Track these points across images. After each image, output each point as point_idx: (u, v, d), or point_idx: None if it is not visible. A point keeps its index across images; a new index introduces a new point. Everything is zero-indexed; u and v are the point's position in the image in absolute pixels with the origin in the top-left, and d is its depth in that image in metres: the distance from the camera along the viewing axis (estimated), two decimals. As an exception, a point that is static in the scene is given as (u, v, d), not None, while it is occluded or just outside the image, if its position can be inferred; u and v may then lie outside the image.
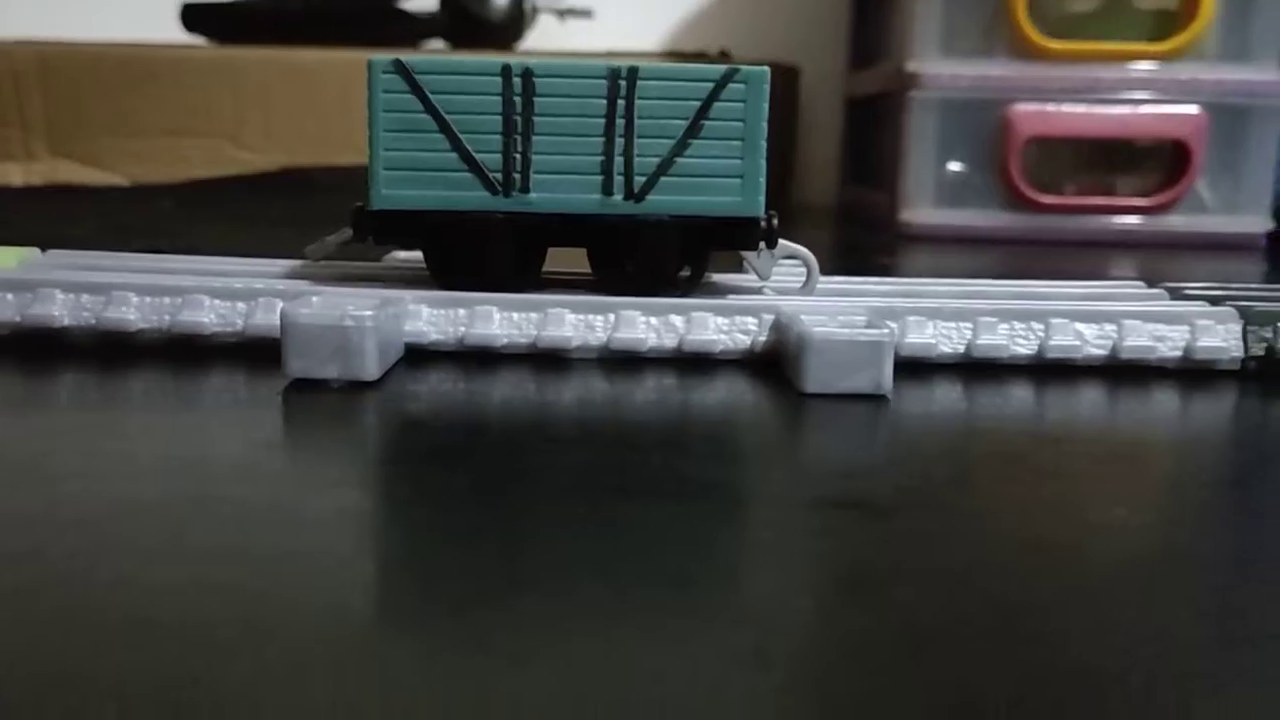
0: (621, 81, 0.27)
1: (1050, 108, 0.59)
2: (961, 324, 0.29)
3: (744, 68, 0.28)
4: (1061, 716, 0.13)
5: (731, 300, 0.30)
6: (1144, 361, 0.29)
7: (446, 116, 0.28)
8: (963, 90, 0.60)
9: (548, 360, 0.29)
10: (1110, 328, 0.29)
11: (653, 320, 0.29)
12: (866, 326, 0.27)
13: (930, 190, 0.62)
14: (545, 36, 0.85)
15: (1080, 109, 0.59)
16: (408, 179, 0.28)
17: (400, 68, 0.27)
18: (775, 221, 0.30)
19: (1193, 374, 0.30)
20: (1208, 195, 0.60)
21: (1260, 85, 0.57)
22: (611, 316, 0.29)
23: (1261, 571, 0.18)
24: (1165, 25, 0.58)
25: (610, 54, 0.81)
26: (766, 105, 0.28)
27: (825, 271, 0.33)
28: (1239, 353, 0.29)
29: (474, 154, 0.28)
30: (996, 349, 0.29)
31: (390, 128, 0.28)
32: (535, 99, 0.27)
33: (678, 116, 0.27)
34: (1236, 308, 0.29)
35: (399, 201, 0.28)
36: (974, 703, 0.14)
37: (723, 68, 0.28)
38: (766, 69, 0.28)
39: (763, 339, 0.29)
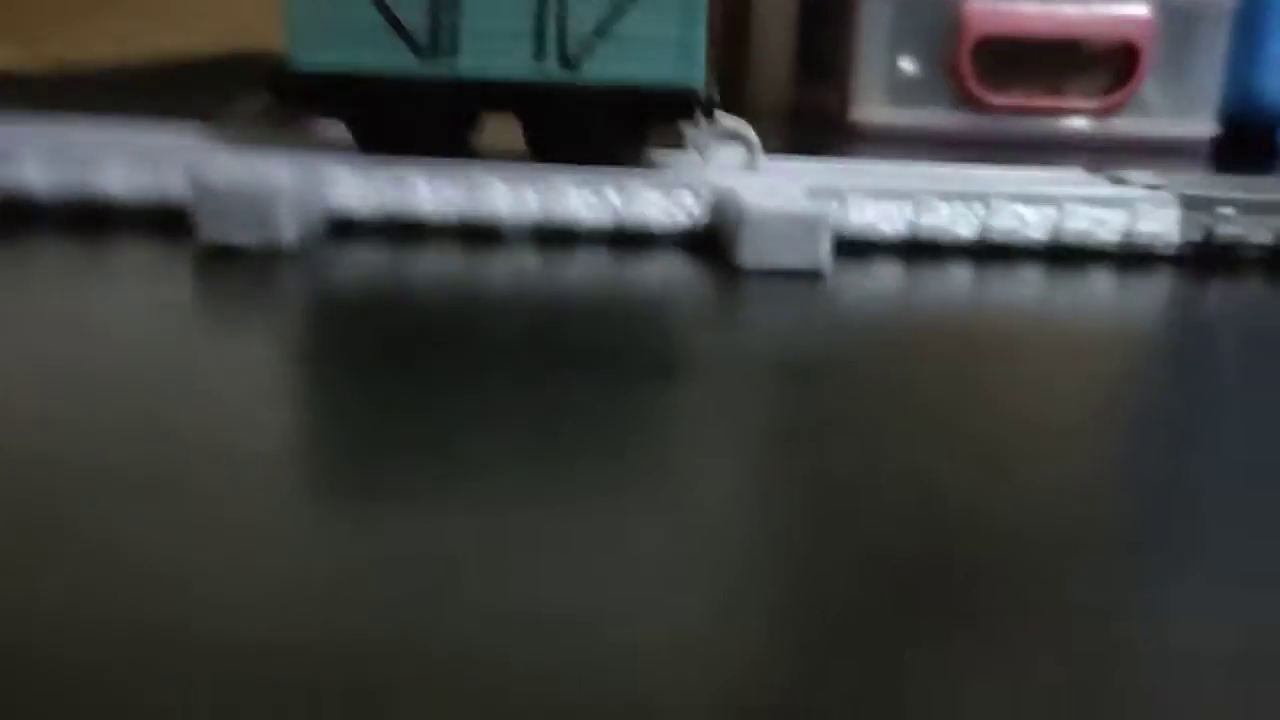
0: None
1: (1003, 6, 0.58)
2: (903, 203, 0.29)
3: None
4: (970, 571, 0.13)
5: (670, 175, 0.29)
6: (1084, 245, 0.29)
7: None
8: None
9: (478, 234, 0.28)
10: (1050, 210, 0.29)
11: (588, 194, 0.28)
12: (805, 203, 0.27)
13: (882, 89, 0.60)
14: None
15: (1032, 7, 0.58)
16: (327, 39, 0.26)
17: None
18: (716, 95, 0.29)
19: (1132, 258, 0.29)
20: (1154, 99, 0.59)
21: None
22: (545, 188, 0.28)
23: (1170, 443, 0.18)
24: None
25: None
26: None
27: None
28: (1176, 237, 0.29)
29: (396, 12, 0.26)
30: (938, 231, 0.29)
31: None
32: None
33: None
34: (1175, 194, 0.29)
35: (318, 64, 0.26)
36: (887, 557, 0.13)
37: None
38: None
39: (701, 215, 0.28)
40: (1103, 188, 0.30)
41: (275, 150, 0.28)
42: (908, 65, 0.60)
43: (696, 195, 0.28)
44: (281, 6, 0.27)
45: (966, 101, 0.59)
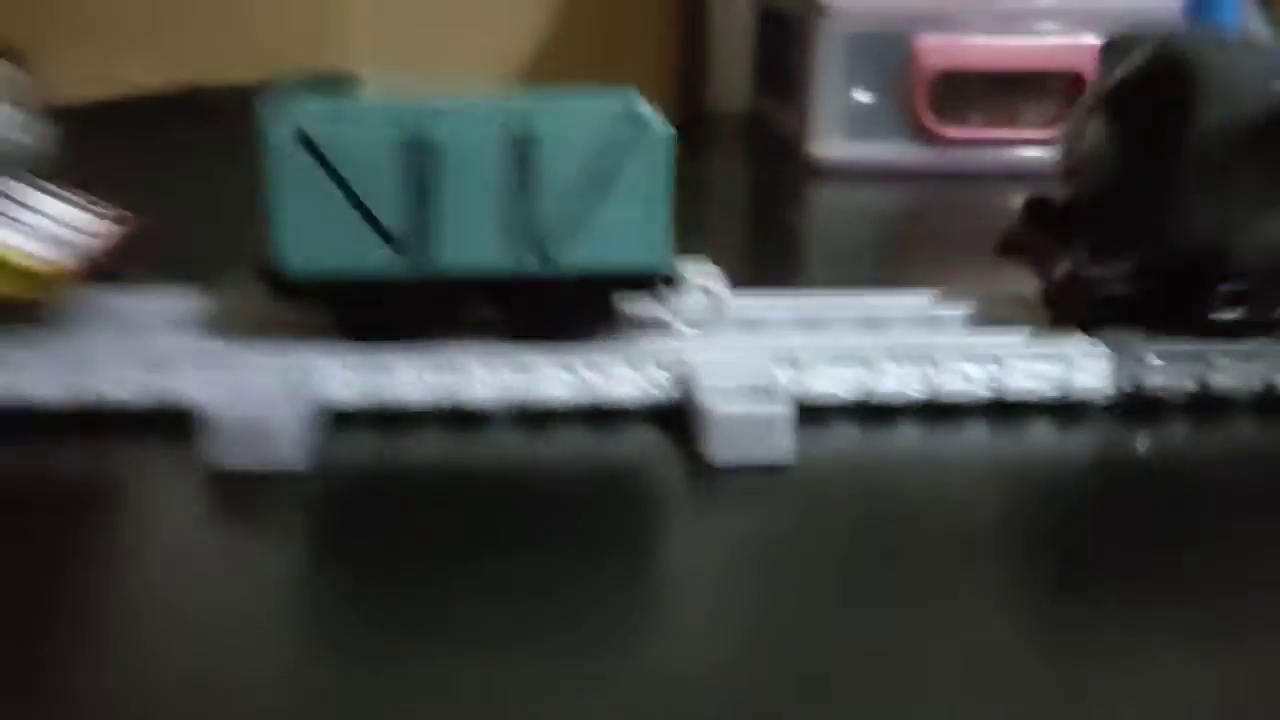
0: (520, 134, 0.28)
1: (956, 40, 0.59)
2: (857, 369, 0.30)
3: (640, 113, 0.28)
4: None
5: (639, 350, 0.31)
6: (1024, 400, 0.31)
7: (347, 179, 0.27)
8: (871, 22, 0.59)
9: (461, 416, 0.30)
10: (994, 368, 0.31)
11: (562, 373, 0.30)
12: (765, 388, 0.29)
13: (838, 123, 0.61)
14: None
15: (984, 41, 0.59)
16: (314, 244, 0.28)
17: (305, 139, 0.27)
18: (676, 270, 0.31)
19: (1069, 408, 0.31)
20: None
21: (1155, 13, 0.58)
22: (521, 369, 0.29)
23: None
24: None
25: None
26: (668, 166, 0.29)
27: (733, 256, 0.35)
28: (1108, 389, 0.31)
29: (376, 215, 0.28)
30: (890, 395, 0.31)
31: (294, 195, 0.27)
32: (437, 158, 0.27)
33: (588, 166, 0.28)
34: (1106, 348, 0.31)
35: (306, 268, 0.28)
36: None
37: (616, 108, 0.28)
38: (669, 133, 0.29)
39: (668, 390, 0.30)
40: (1042, 345, 0.32)
41: (265, 344, 0.30)
42: (864, 99, 0.61)
43: (664, 369, 0.30)
44: (270, 214, 0.28)
45: (921, 135, 0.61)
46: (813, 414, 0.30)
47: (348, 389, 0.29)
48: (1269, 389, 0.31)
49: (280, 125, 0.27)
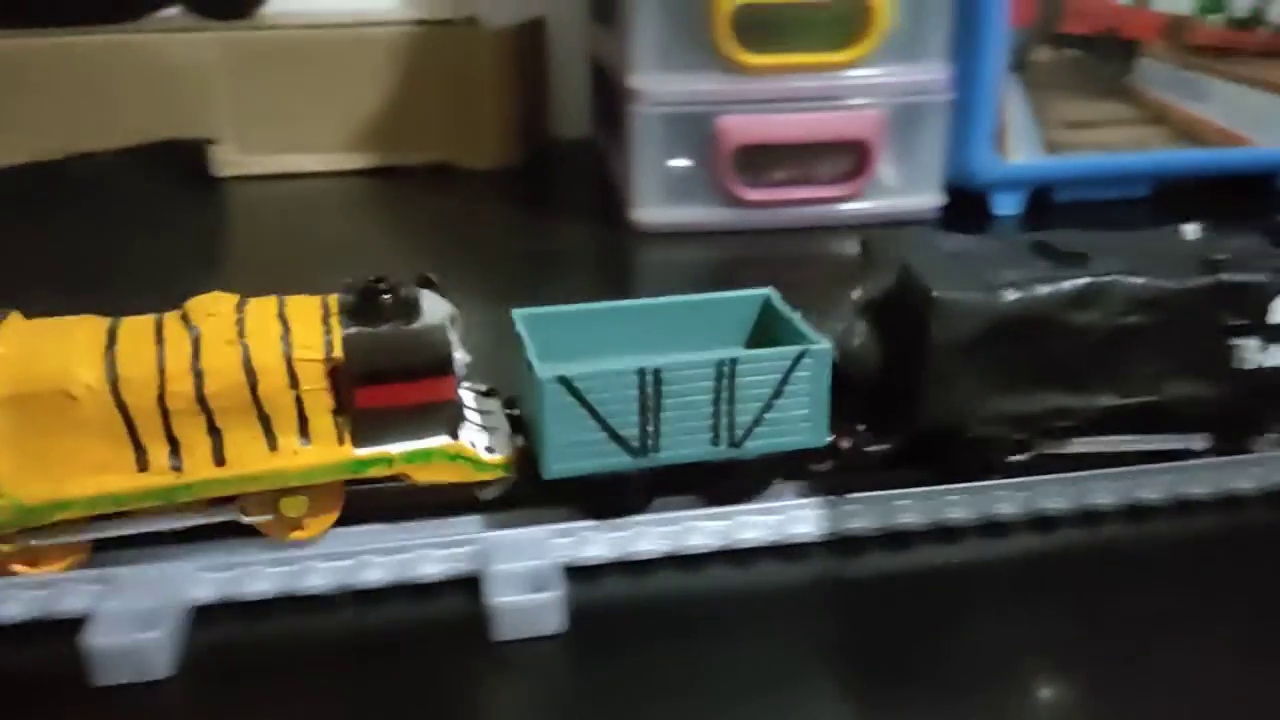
0: (725, 368, 0.35)
1: (754, 118, 0.67)
2: (618, 533, 0.36)
3: (812, 348, 0.35)
4: None
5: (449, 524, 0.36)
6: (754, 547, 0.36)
7: (597, 407, 0.34)
8: (677, 103, 0.67)
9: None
10: (726, 522, 0.36)
11: (379, 559, 0.35)
12: (543, 572, 0.33)
13: (657, 191, 0.69)
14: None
15: (779, 117, 0.67)
16: (570, 453, 0.34)
17: (564, 380, 0.33)
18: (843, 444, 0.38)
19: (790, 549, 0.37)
20: (889, 179, 0.71)
21: (930, 84, 0.68)
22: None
23: None
24: (851, 34, 0.66)
25: (358, 22, 0.81)
26: (829, 371, 0.35)
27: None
28: (818, 533, 0.36)
29: (618, 430, 0.34)
30: (645, 551, 0.36)
31: (556, 420, 0.34)
32: (663, 388, 0.34)
33: (766, 386, 0.35)
34: (818, 496, 0.37)
35: (565, 471, 0.35)
36: None
37: (798, 349, 0.35)
38: (829, 348, 0.35)
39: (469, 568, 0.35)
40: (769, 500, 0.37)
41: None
42: (680, 167, 0.69)
43: (463, 546, 0.35)
44: (537, 432, 0.35)
45: (729, 199, 0.69)
46: (585, 572, 0.35)
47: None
48: (939, 526, 0.37)
49: (551, 377, 0.33)
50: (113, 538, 0.34)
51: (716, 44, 0.66)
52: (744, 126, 0.68)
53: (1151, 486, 0.39)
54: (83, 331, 0.34)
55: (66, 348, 0.33)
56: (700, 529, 0.36)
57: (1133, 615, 0.34)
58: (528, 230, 0.73)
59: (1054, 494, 0.38)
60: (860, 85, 0.68)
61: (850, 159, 0.70)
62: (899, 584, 0.36)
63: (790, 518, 0.37)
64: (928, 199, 0.72)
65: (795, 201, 0.70)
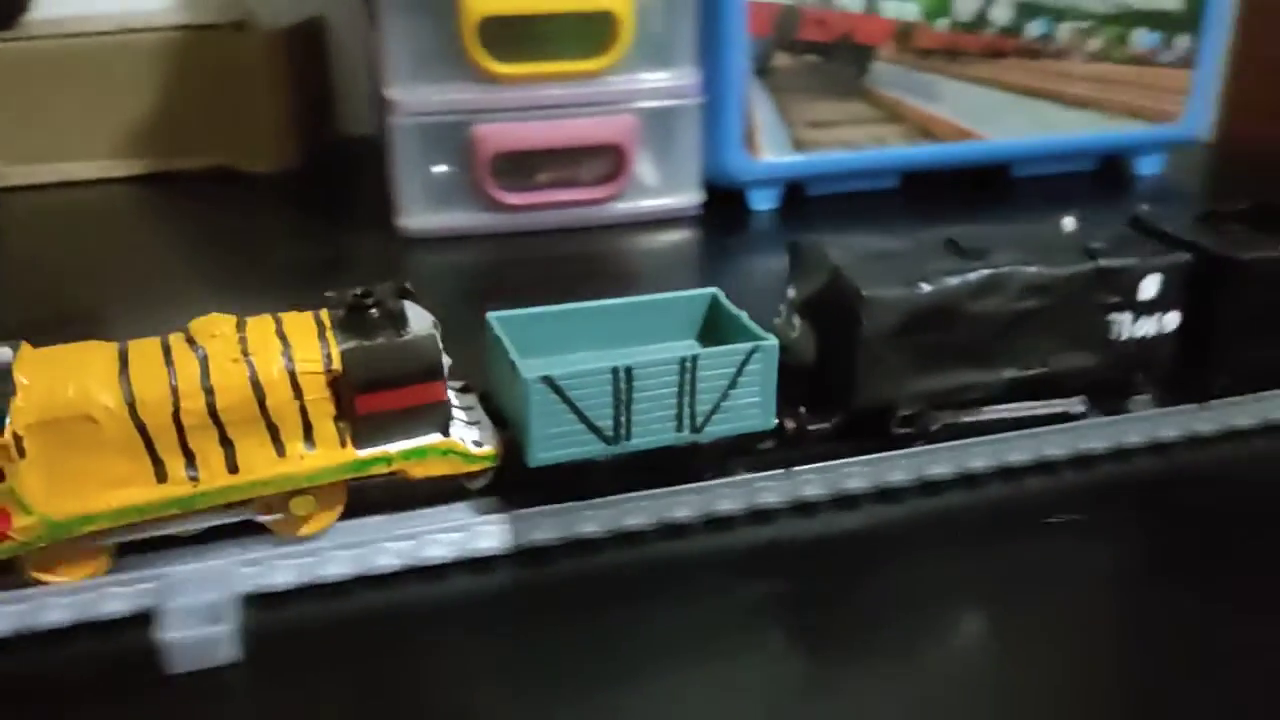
0: (687, 364, 0.38)
1: (510, 126, 0.70)
2: (305, 559, 0.37)
3: (762, 344, 0.39)
4: None
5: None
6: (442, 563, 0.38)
7: (576, 402, 0.38)
8: (435, 115, 0.69)
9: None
10: (411, 542, 0.38)
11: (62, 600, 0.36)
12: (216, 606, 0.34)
13: (421, 198, 0.71)
14: (57, 4, 0.84)
15: (534, 124, 0.70)
16: (549, 443, 0.38)
17: (548, 380, 0.37)
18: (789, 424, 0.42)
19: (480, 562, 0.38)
20: (649, 180, 0.74)
21: (680, 89, 0.72)
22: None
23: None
24: (602, 43, 0.69)
25: (122, 28, 0.82)
26: (776, 363, 0.39)
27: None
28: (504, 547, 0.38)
29: (594, 422, 0.38)
30: (334, 576, 0.37)
31: (540, 414, 0.37)
32: (634, 383, 0.38)
33: (723, 379, 0.39)
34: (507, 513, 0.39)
35: (544, 459, 0.38)
36: None
37: (750, 345, 0.39)
38: (777, 343, 0.39)
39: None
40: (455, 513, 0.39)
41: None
42: (441, 173, 0.71)
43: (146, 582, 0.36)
44: (520, 425, 0.38)
45: (492, 204, 0.72)
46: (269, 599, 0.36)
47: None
48: (666, 523, 0.40)
49: (536, 378, 0.37)
50: (133, 541, 0.37)
51: (468, 55, 0.68)
52: (500, 134, 0.71)
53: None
54: (96, 358, 0.36)
55: (84, 374, 0.35)
56: (387, 549, 0.38)
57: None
58: (302, 236, 0.73)
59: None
60: (613, 92, 0.72)
61: (611, 162, 0.74)
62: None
63: (473, 533, 0.39)
64: (687, 198, 0.76)
65: (557, 204, 0.74)
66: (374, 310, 0.38)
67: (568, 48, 0.70)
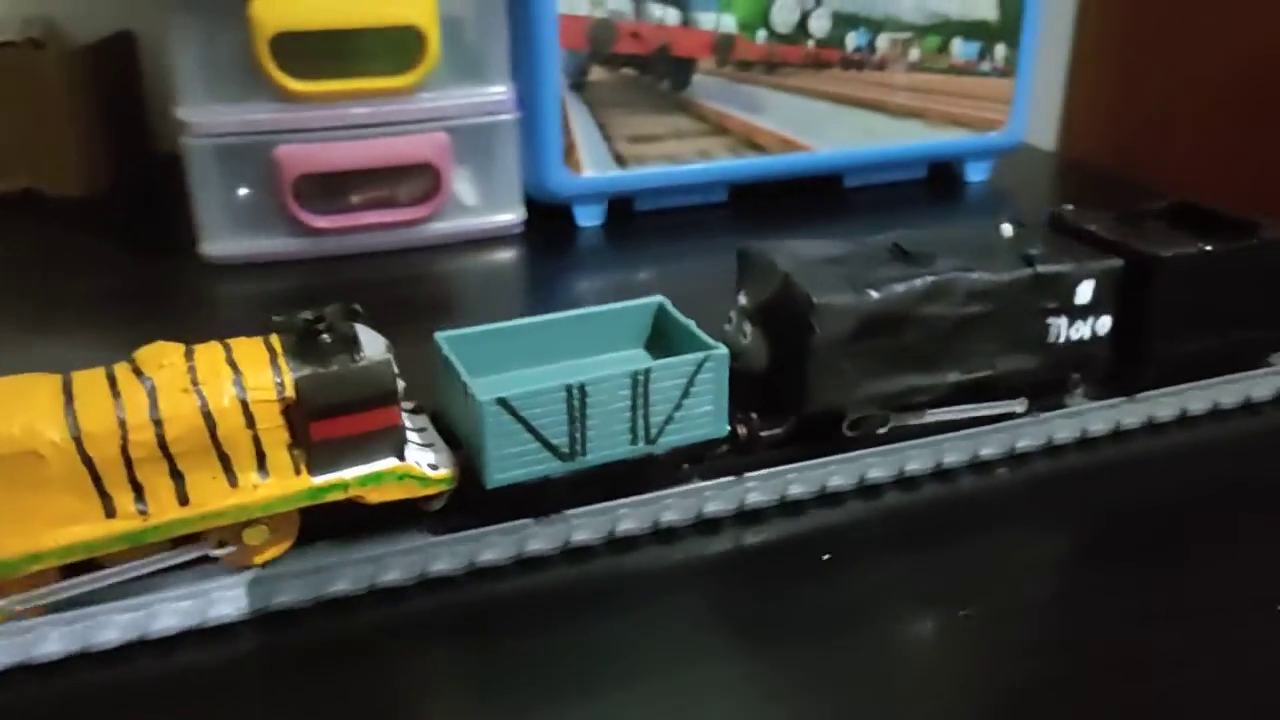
0: (640, 377, 0.39)
1: (313, 146, 0.66)
2: (76, 625, 0.35)
3: (713, 353, 0.40)
4: None
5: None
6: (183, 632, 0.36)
7: (531, 422, 0.37)
8: (232, 135, 0.65)
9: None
10: (141, 613, 0.36)
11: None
12: None
13: (222, 223, 0.68)
14: None
15: (340, 144, 0.67)
16: (505, 464, 0.38)
17: (502, 402, 0.37)
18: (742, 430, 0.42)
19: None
20: (469, 199, 0.73)
21: (494, 104, 0.70)
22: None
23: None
24: (408, 59, 0.67)
25: None
26: (727, 372, 0.40)
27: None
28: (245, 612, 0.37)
29: (550, 440, 0.38)
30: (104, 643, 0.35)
31: (495, 435, 0.37)
32: (588, 399, 0.38)
33: (676, 390, 0.40)
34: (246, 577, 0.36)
35: (504, 479, 0.38)
36: None
37: (701, 355, 0.40)
38: (727, 352, 0.40)
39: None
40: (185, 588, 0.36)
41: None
42: (243, 195, 0.68)
43: None
44: (474, 447, 0.38)
45: (299, 229, 0.68)
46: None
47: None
48: (422, 577, 0.38)
49: (490, 400, 0.37)
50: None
51: (263, 73, 0.63)
52: (304, 156, 0.67)
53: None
54: (39, 391, 0.35)
55: (29, 408, 0.34)
56: (113, 622, 0.36)
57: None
58: (104, 264, 0.69)
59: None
60: (424, 109, 0.69)
61: (428, 181, 0.69)
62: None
63: (211, 600, 0.37)
64: (510, 215, 0.73)
65: (370, 227, 0.70)
66: (325, 335, 0.38)
67: (375, 65, 0.67)
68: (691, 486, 0.42)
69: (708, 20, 0.75)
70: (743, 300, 0.44)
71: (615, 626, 0.38)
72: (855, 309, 0.42)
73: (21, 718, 0.33)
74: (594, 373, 0.39)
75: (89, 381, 0.36)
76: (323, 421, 0.37)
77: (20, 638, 0.35)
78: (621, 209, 0.77)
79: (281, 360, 0.37)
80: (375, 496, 0.38)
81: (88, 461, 0.35)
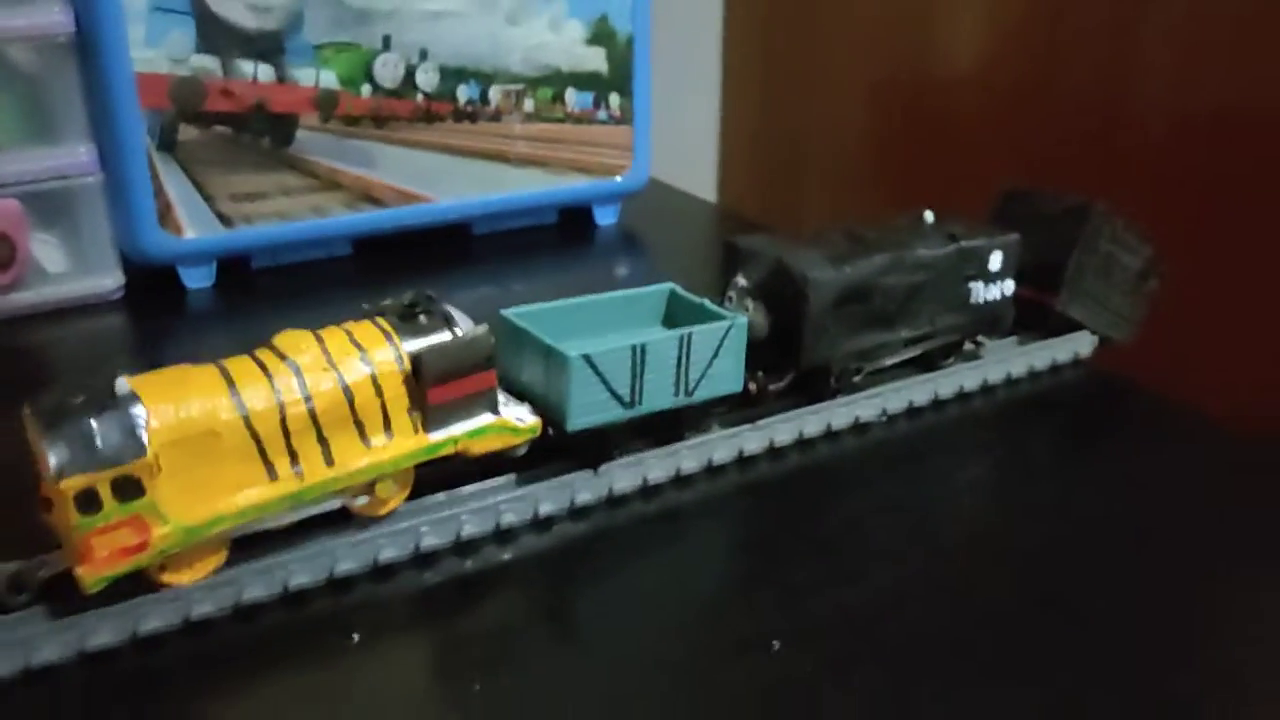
0: (684, 340, 0.47)
1: None
2: None
3: (736, 321, 0.48)
4: None
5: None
6: None
7: (605, 376, 0.45)
8: None
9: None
10: None
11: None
12: None
13: None
14: None
15: None
16: (583, 411, 0.45)
17: (586, 358, 0.44)
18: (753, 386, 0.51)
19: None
20: (54, 266, 0.70)
21: (71, 167, 0.67)
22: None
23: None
24: None
25: None
26: (745, 337, 0.48)
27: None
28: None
29: (616, 391, 0.46)
30: None
31: (579, 386, 0.45)
32: (646, 358, 0.46)
33: (709, 351, 0.48)
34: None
35: (583, 424, 0.46)
36: None
37: (728, 322, 0.48)
38: (746, 320, 0.49)
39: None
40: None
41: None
42: None
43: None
44: (556, 398, 0.45)
45: None
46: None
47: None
48: (189, 620, 0.39)
49: (577, 356, 0.44)
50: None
51: None
52: None
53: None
54: (201, 378, 0.40)
55: (198, 393, 0.39)
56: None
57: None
58: None
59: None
60: None
61: (3, 250, 0.66)
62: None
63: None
64: (106, 280, 0.71)
65: None
66: (422, 316, 0.45)
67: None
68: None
69: (306, 76, 0.74)
70: (742, 281, 0.53)
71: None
72: (837, 281, 0.52)
73: None
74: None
75: (241, 367, 0.41)
76: (439, 386, 0.43)
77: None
78: (238, 268, 0.76)
79: (396, 338, 0.43)
80: (478, 448, 0.45)
81: (254, 435, 0.40)
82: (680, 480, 0.50)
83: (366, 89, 0.77)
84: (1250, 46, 0.73)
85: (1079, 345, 0.63)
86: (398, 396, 0.43)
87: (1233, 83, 0.74)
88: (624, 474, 0.48)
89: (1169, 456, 0.54)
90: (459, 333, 0.44)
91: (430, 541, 0.44)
